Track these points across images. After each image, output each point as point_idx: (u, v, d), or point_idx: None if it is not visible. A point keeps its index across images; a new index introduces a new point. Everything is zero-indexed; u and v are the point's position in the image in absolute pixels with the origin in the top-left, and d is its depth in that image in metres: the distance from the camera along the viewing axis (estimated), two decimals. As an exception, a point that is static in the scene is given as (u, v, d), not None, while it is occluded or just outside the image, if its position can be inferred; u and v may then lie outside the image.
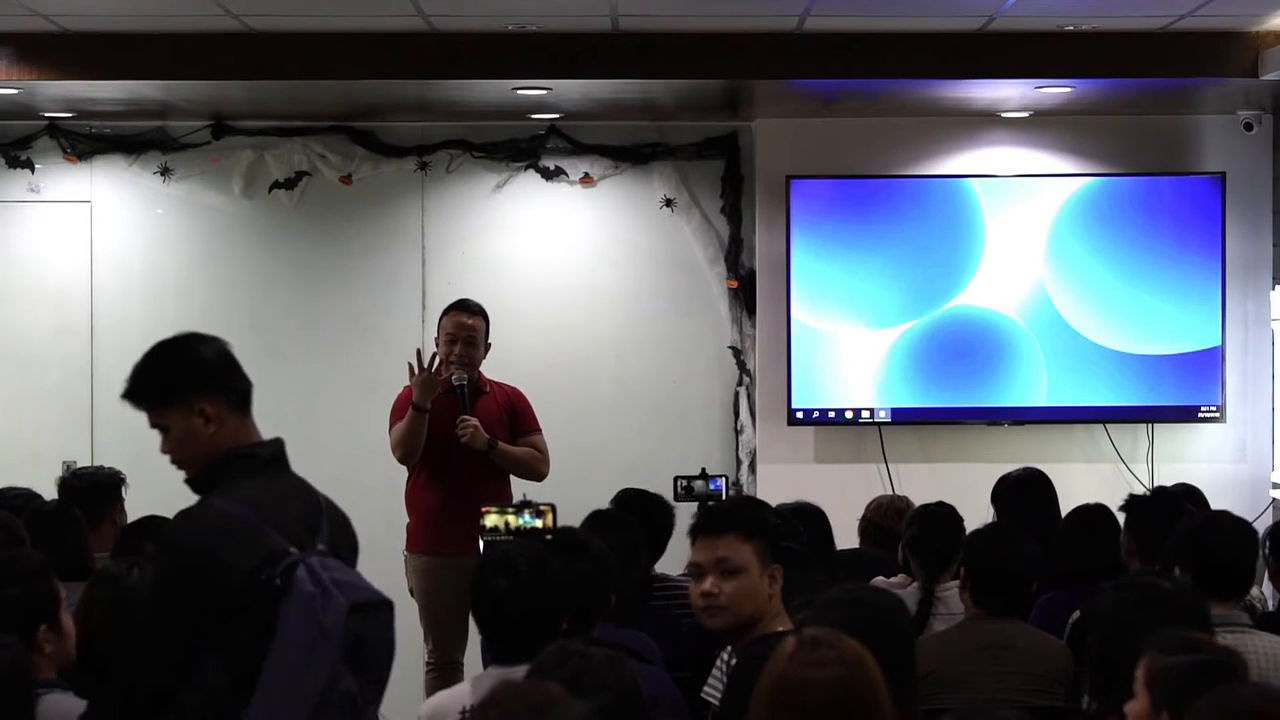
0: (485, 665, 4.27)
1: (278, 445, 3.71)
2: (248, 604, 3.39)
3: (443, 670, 7.05)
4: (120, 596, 4.13)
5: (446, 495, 6.88)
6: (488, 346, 7.02)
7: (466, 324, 6.95)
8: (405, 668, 8.57)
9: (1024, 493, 6.28)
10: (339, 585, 3.39)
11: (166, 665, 3.41)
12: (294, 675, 3.33)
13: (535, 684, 2.70)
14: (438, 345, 6.96)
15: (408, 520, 7.05)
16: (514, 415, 7.05)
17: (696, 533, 4.01)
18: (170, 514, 3.67)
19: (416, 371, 6.81)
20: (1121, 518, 5.58)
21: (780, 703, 2.81)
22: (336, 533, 3.66)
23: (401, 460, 6.95)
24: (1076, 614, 5.04)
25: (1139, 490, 6.93)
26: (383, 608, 3.51)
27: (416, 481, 7.01)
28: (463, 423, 6.82)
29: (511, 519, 4.97)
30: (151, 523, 5.06)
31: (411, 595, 7.02)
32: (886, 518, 6.29)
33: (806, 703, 2.79)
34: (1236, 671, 3.14)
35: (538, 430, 7.09)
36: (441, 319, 7.02)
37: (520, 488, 6.97)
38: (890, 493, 7.31)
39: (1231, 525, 4.60)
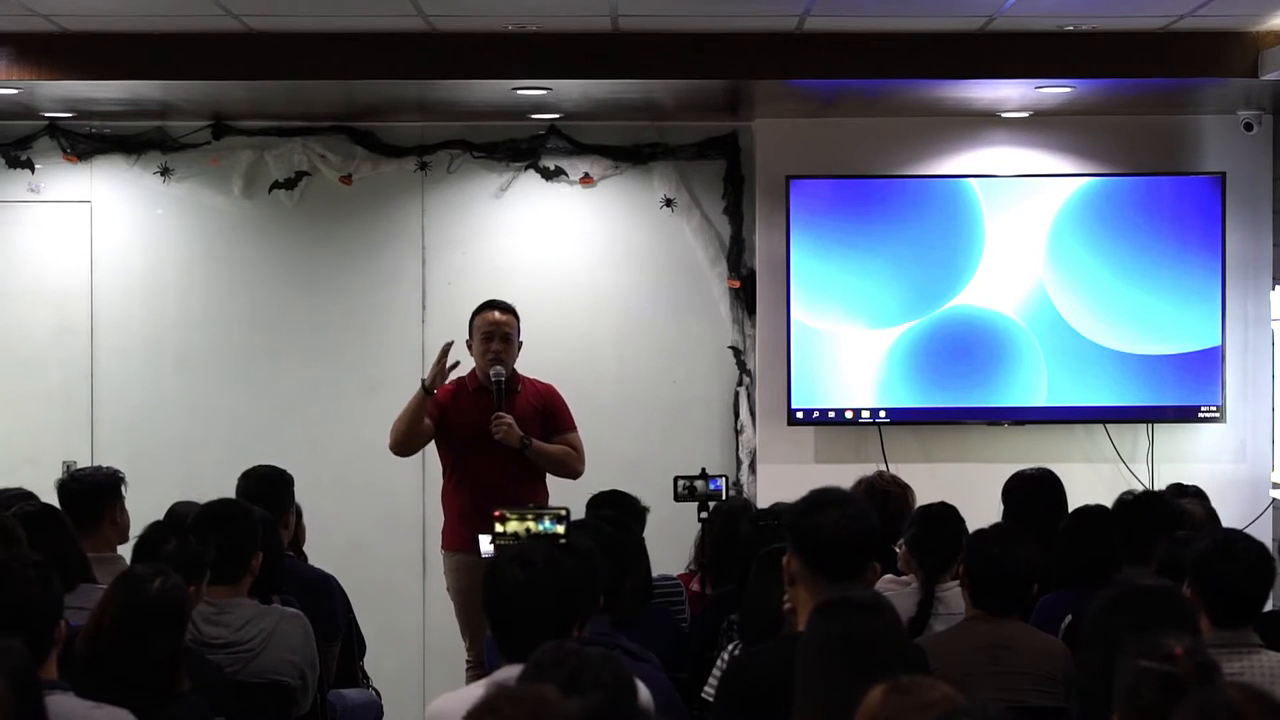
0: (491, 665, 4.27)
1: None
2: None
3: (482, 669, 7.01)
4: (137, 602, 4.12)
5: (480, 493, 6.68)
6: (519, 344, 7.01)
7: (500, 320, 6.94)
8: (408, 665, 8.56)
9: (1034, 492, 6.25)
10: None
11: None
12: None
13: (530, 687, 2.69)
14: (470, 346, 6.95)
15: (443, 518, 7.02)
16: (548, 413, 7.00)
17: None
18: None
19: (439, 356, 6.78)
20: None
21: None
22: None
23: (394, 448, 6.91)
24: (1069, 618, 5.03)
25: (1139, 490, 6.91)
26: None
27: (451, 479, 6.98)
28: (497, 419, 6.76)
29: (531, 524, 4.96)
30: (168, 525, 5.01)
31: (449, 593, 7.01)
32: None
33: None
34: (1181, 681, 3.09)
35: (573, 428, 7.04)
36: (473, 319, 7.00)
37: (555, 486, 6.95)
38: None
39: (1247, 550, 4.35)
